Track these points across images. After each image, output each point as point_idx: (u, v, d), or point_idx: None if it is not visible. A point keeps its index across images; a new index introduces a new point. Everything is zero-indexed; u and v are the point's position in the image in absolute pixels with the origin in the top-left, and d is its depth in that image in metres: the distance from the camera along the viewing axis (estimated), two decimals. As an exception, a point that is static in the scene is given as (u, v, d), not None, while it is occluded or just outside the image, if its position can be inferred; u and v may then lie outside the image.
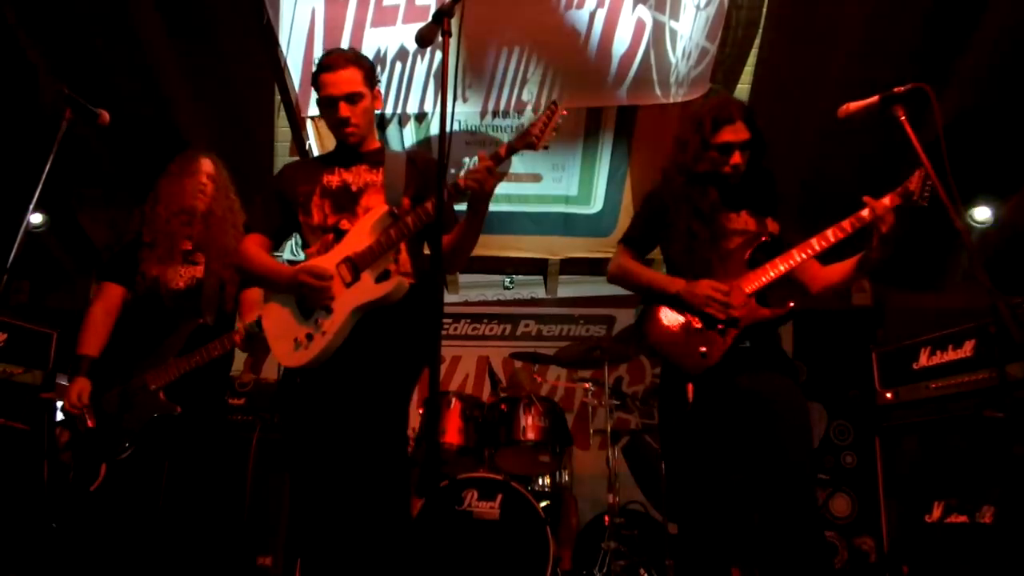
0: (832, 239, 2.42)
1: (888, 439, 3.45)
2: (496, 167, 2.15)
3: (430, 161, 2.47)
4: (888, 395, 3.44)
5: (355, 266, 2.25)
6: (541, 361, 4.48)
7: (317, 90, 2.40)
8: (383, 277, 2.25)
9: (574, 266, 6.24)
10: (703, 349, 2.41)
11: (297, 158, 5.48)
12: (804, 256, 2.44)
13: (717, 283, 2.43)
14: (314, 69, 2.39)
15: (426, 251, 2.39)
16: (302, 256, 2.42)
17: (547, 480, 3.96)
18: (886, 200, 2.36)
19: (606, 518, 3.89)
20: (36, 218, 5.11)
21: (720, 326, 2.42)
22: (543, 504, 3.68)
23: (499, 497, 3.56)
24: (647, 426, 4.80)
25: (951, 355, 3.19)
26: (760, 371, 2.43)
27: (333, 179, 2.40)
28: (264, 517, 3.55)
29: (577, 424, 5.68)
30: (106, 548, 2.66)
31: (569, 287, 6.52)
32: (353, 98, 2.35)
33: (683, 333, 2.47)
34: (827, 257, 2.51)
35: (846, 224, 2.40)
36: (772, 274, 2.45)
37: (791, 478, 2.29)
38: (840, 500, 3.86)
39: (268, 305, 2.41)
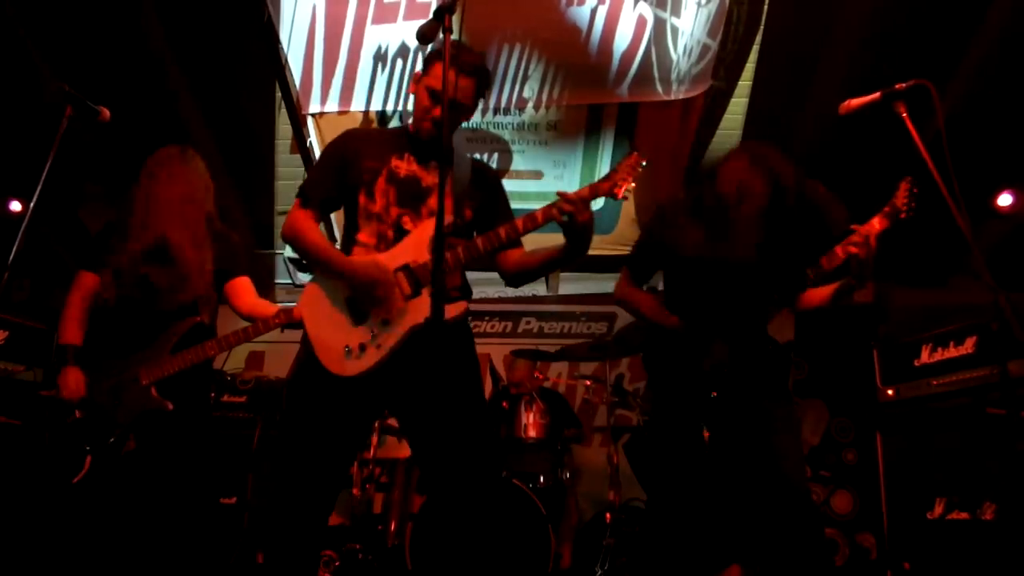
0: (828, 266, 2.43)
1: (889, 436, 3.45)
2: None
3: (496, 176, 2.44)
4: (889, 392, 3.43)
5: (417, 281, 2.09)
6: (542, 358, 4.48)
7: (425, 68, 2.25)
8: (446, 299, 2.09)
9: (575, 264, 6.23)
10: (714, 395, 2.44)
11: (298, 155, 5.50)
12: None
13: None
14: (435, 47, 2.20)
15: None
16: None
17: (548, 477, 3.96)
18: (875, 223, 2.35)
19: (607, 515, 3.90)
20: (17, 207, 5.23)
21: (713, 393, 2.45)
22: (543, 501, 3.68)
23: (500, 494, 3.57)
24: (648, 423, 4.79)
25: (952, 352, 3.18)
26: (758, 384, 2.47)
27: (402, 166, 2.22)
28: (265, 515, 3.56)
29: (578, 421, 5.68)
30: (88, 541, 2.63)
31: (570, 284, 6.52)
32: (457, 108, 2.22)
33: (689, 373, 2.50)
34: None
35: (839, 250, 2.39)
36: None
37: (788, 484, 2.34)
38: (841, 497, 3.84)
39: (311, 288, 2.20)
